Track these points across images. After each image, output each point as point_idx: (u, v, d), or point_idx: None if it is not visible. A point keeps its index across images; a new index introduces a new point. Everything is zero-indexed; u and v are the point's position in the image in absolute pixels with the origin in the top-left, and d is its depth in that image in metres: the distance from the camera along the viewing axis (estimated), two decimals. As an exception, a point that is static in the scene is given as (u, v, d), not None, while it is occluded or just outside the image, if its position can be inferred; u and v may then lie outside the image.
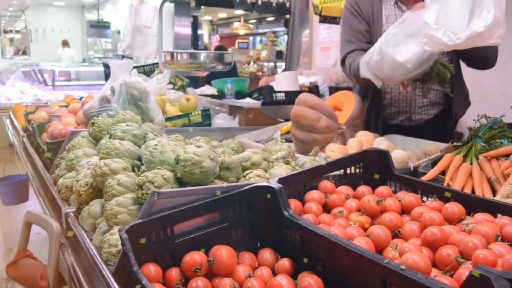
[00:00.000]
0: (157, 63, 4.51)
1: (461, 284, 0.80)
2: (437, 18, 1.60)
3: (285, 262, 1.20)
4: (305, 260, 1.17)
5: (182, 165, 1.31)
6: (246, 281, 1.11)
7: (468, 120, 4.85)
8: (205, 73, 4.27)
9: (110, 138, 1.72)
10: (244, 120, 3.10)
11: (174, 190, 1.23)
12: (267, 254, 1.25)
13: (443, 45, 1.61)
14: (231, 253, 1.16)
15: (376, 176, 1.52)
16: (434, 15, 1.59)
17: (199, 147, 1.35)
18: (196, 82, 4.40)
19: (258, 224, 1.29)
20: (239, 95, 3.97)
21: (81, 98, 3.84)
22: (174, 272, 1.15)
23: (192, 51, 2.62)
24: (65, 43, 14.65)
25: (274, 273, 1.19)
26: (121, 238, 1.07)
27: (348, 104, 2.33)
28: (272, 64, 13.77)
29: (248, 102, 3.37)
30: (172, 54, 2.89)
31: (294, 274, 1.16)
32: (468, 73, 4.77)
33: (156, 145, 1.44)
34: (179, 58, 2.90)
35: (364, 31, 2.40)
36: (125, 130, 1.71)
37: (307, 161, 1.78)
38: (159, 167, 1.37)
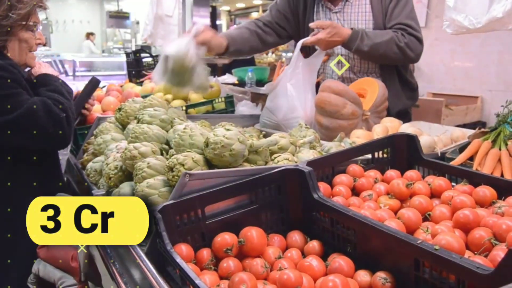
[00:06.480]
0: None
1: (498, 263, 0.80)
2: (456, 3, 1.60)
3: (314, 244, 1.21)
4: (335, 242, 1.17)
5: (212, 147, 1.32)
6: (277, 262, 1.12)
7: (492, 108, 4.77)
8: (227, 60, 4.27)
9: (138, 122, 1.73)
10: (266, 108, 3.09)
11: (205, 172, 1.25)
12: (296, 236, 1.25)
13: (464, 28, 1.62)
14: (261, 234, 1.17)
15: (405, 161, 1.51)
16: None
17: (228, 130, 1.36)
18: (215, 72, 4.40)
19: (287, 207, 1.30)
20: (260, 83, 3.97)
21: (103, 87, 3.86)
22: (205, 253, 1.17)
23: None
24: (89, 35, 14.78)
25: (304, 255, 1.20)
26: (154, 218, 1.09)
27: (372, 90, 2.31)
28: (290, 54, 13.64)
29: (270, 89, 3.35)
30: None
31: (323, 257, 1.17)
32: (492, 64, 4.70)
33: (185, 128, 1.45)
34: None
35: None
36: (153, 114, 1.73)
37: (333, 147, 1.77)
38: (188, 150, 1.39)
